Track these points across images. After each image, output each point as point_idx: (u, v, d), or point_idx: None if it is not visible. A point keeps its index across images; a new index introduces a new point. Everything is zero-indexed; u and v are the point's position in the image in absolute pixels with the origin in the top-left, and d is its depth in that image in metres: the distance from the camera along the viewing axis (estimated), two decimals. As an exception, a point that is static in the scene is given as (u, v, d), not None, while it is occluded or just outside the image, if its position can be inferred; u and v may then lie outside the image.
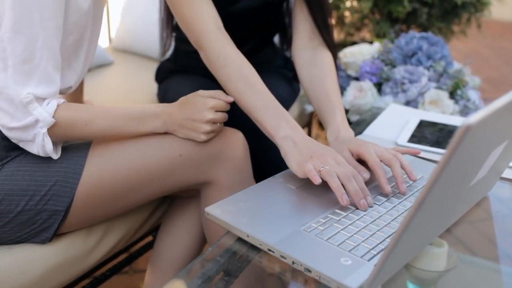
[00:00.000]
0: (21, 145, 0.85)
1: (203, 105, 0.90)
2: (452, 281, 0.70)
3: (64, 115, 0.84)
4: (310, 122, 1.93)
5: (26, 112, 0.81)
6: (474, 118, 0.46)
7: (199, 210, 1.05)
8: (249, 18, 1.28)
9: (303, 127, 1.91)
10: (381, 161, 0.85)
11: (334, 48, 1.17)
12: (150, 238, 1.26)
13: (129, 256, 1.21)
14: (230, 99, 0.93)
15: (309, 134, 2.02)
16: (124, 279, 1.55)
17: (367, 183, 0.84)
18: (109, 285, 1.49)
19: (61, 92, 0.95)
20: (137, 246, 1.24)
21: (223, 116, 0.92)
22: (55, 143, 0.86)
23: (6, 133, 0.83)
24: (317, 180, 0.78)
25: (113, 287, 1.49)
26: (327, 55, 1.13)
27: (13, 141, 0.84)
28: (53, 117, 0.82)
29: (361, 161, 0.88)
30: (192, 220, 1.06)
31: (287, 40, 1.42)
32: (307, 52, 1.14)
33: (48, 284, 0.89)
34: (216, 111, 0.91)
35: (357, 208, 0.78)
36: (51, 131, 0.83)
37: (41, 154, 0.85)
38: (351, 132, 0.97)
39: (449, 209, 0.67)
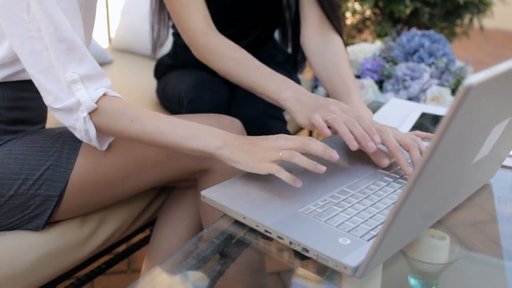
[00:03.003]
0: (70, 130, 0.83)
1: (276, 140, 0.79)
2: (455, 275, 0.69)
3: (110, 105, 0.80)
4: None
5: (69, 92, 0.78)
6: (475, 78, 0.44)
7: (197, 201, 1.03)
8: (247, 9, 1.27)
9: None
10: (400, 145, 0.84)
11: (342, 33, 1.18)
12: (148, 232, 1.24)
13: (127, 249, 1.19)
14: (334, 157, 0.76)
15: (310, 134, 2.00)
16: (123, 278, 1.53)
17: (387, 167, 0.86)
18: (108, 284, 1.47)
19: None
20: (136, 238, 1.22)
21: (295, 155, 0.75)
22: (101, 134, 0.84)
23: (54, 114, 0.81)
24: (325, 132, 0.81)
25: (112, 286, 1.47)
26: (337, 39, 1.14)
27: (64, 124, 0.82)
28: (96, 103, 0.79)
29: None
30: (190, 211, 1.04)
31: (287, 36, 1.41)
32: (317, 38, 1.14)
33: (40, 272, 0.87)
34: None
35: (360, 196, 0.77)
36: (94, 118, 0.80)
37: (85, 140, 0.82)
38: (369, 113, 0.97)
39: (450, 187, 0.65)
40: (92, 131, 0.80)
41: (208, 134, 0.79)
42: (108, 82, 0.82)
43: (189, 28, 1.05)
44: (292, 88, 0.93)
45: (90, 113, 0.79)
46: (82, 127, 0.80)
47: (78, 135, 0.81)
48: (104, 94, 0.80)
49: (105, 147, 0.86)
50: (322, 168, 0.73)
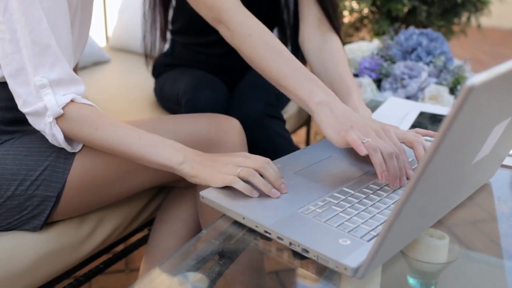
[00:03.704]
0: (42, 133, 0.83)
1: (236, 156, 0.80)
2: (454, 275, 0.68)
3: (77, 112, 0.80)
4: (309, 121, 1.91)
5: (38, 97, 0.78)
6: (477, 79, 0.44)
7: (195, 201, 1.03)
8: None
9: (301, 125, 1.89)
10: (403, 143, 0.82)
11: (340, 33, 1.17)
12: (146, 232, 1.24)
13: (125, 249, 1.19)
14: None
15: (308, 133, 2.00)
16: (121, 277, 1.52)
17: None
18: (106, 284, 1.47)
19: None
20: (134, 238, 1.22)
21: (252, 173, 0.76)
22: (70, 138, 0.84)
23: (27, 117, 0.81)
24: (363, 151, 0.76)
25: (110, 286, 1.47)
26: (336, 39, 1.14)
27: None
28: (62, 108, 0.79)
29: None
30: (188, 211, 1.04)
31: (287, 36, 1.40)
32: (316, 38, 1.14)
33: (38, 272, 0.87)
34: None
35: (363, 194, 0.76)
36: (60, 123, 0.80)
37: (56, 144, 0.83)
38: (368, 111, 0.96)
39: (451, 187, 0.65)
40: (60, 136, 0.81)
41: (170, 149, 0.80)
42: (80, 88, 0.82)
43: (218, 4, 0.93)
44: (325, 93, 0.85)
45: (56, 118, 0.80)
46: (49, 132, 0.80)
47: (48, 139, 0.82)
48: (72, 101, 0.80)
49: (77, 149, 0.86)
50: (276, 193, 0.74)
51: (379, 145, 0.76)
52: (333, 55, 1.10)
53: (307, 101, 0.85)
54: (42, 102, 0.78)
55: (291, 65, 0.88)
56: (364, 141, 0.77)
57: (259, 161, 0.77)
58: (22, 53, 0.77)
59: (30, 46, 0.76)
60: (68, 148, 0.84)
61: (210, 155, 0.80)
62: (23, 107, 0.79)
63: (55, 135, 0.81)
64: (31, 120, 0.81)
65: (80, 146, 0.86)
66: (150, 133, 0.82)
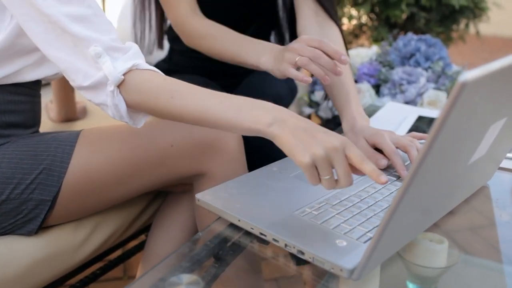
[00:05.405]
0: (102, 108, 0.78)
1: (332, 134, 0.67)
2: (453, 280, 0.68)
3: (141, 79, 0.75)
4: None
5: (97, 68, 0.74)
6: (470, 75, 0.44)
7: (192, 206, 1.02)
8: (237, 8, 1.26)
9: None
10: (397, 147, 0.84)
11: (338, 21, 1.15)
12: (144, 238, 1.23)
13: (122, 255, 1.18)
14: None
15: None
16: (119, 285, 1.52)
17: (384, 169, 0.85)
18: (103, 291, 1.46)
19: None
20: (132, 244, 1.21)
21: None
22: (136, 112, 0.79)
23: (83, 93, 0.77)
24: (305, 80, 0.87)
25: (107, 293, 1.46)
26: (335, 30, 1.11)
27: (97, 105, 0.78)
28: (124, 75, 0.74)
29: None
30: (185, 216, 1.03)
31: (284, 38, 1.40)
32: (314, 30, 1.12)
33: (33, 278, 0.86)
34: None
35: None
36: (125, 93, 0.75)
37: (117, 118, 0.77)
38: (366, 119, 0.97)
39: (447, 188, 0.64)
40: (123, 106, 0.76)
41: (257, 109, 0.70)
42: (139, 55, 0.78)
43: (176, 14, 1.09)
44: (269, 51, 0.95)
45: (119, 87, 0.75)
46: (111, 102, 0.75)
47: (110, 112, 0.77)
48: (134, 69, 0.75)
49: (140, 124, 0.81)
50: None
51: (308, 53, 0.86)
52: None
53: (256, 64, 0.97)
54: (102, 71, 0.74)
55: (238, 41, 1.02)
56: (297, 61, 0.88)
57: (360, 154, 0.64)
58: (68, 30, 0.73)
59: (72, 22, 0.73)
60: (130, 123, 0.79)
61: (307, 123, 0.68)
62: (84, 81, 0.75)
63: (118, 106, 0.75)
64: (91, 94, 0.76)
65: (143, 122, 0.80)
66: (232, 95, 0.74)
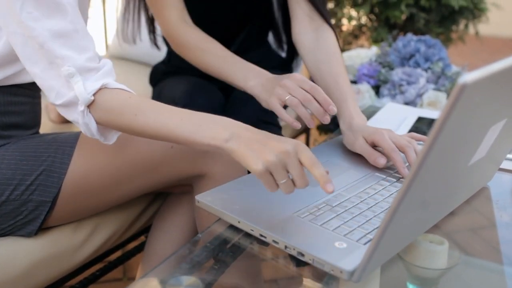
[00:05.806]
0: (75, 125, 0.80)
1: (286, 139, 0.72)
2: (454, 281, 0.68)
3: (111, 98, 0.77)
4: (308, 128, 1.90)
5: (69, 87, 0.76)
6: (470, 76, 0.44)
7: (192, 207, 1.02)
8: (230, 10, 1.26)
9: (300, 133, 1.89)
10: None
11: (332, 24, 1.15)
12: (144, 239, 1.23)
13: (122, 256, 1.18)
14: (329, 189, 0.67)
15: (307, 139, 2.00)
16: (118, 286, 1.51)
17: (384, 170, 0.86)
18: (103, 292, 1.46)
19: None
20: (132, 245, 1.21)
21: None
22: (104, 128, 0.80)
23: (57, 110, 0.79)
24: (294, 125, 0.88)
25: (106, 294, 1.46)
26: (330, 34, 1.11)
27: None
28: (93, 95, 0.76)
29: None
30: (185, 217, 1.03)
31: (281, 40, 1.40)
32: (309, 35, 1.11)
33: (33, 279, 0.86)
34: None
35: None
36: (94, 112, 0.77)
37: (88, 135, 0.79)
38: (363, 118, 0.96)
39: (447, 189, 0.64)
40: (93, 125, 0.78)
41: (215, 126, 0.73)
42: (110, 74, 0.80)
43: (165, 21, 1.09)
44: (257, 76, 0.96)
45: (89, 107, 0.76)
46: (82, 121, 0.77)
47: (82, 129, 0.79)
48: (103, 87, 0.77)
49: (112, 141, 0.83)
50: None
51: (298, 95, 0.86)
52: (328, 54, 1.07)
53: (244, 87, 0.98)
54: (73, 91, 0.75)
55: (226, 59, 1.02)
56: (286, 100, 0.87)
57: (313, 159, 0.68)
58: (46, 47, 0.74)
59: (51, 38, 0.74)
60: (101, 140, 0.81)
61: (261, 134, 0.71)
62: (56, 100, 0.77)
63: (88, 125, 0.77)
64: (63, 112, 0.78)
65: (115, 138, 0.83)
66: (194, 112, 0.76)
